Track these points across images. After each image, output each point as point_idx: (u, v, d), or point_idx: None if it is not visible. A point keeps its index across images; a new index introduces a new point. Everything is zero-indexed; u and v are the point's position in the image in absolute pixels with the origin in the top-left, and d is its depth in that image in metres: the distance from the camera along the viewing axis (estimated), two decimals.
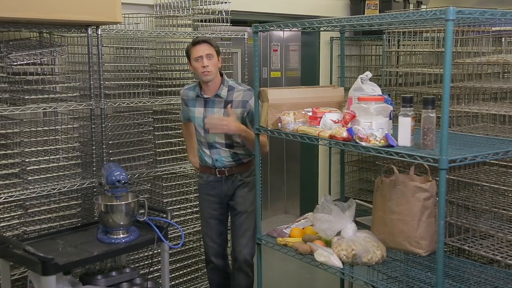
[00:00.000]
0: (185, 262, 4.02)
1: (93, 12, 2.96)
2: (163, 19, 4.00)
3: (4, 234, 3.01)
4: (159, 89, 3.74)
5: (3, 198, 2.95)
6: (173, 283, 3.91)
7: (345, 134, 2.37)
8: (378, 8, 5.24)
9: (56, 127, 3.28)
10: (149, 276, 3.08)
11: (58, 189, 3.14)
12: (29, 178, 3.07)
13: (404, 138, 2.27)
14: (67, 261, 2.58)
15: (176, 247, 3.35)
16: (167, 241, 2.93)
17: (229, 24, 3.95)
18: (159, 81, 3.79)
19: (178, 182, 3.94)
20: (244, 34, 4.06)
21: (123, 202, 2.84)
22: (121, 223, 2.83)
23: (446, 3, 2.57)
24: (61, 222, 3.23)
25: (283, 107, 2.76)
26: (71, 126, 3.33)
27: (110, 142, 3.46)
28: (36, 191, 3.05)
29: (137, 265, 3.68)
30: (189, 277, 4.05)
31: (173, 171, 3.85)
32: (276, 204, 6.19)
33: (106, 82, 3.46)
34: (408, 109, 2.28)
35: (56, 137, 3.26)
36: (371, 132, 2.30)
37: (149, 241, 2.92)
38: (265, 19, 4.96)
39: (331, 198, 2.76)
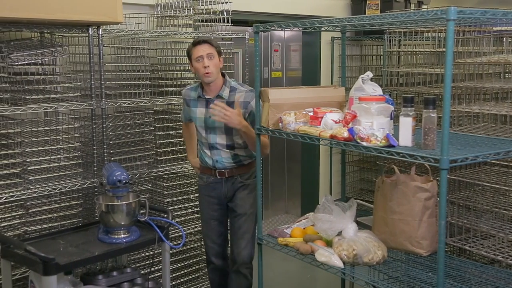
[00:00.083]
0: (186, 262, 4.02)
1: (94, 12, 2.96)
2: (164, 19, 4.00)
3: (5, 234, 3.01)
4: (160, 89, 3.74)
5: (4, 198, 2.95)
6: (174, 283, 3.91)
7: (346, 134, 2.37)
8: (379, 8, 5.24)
9: (57, 127, 3.28)
10: (150, 276, 3.08)
11: (59, 189, 3.14)
12: (30, 178, 3.07)
13: (405, 138, 2.27)
14: (68, 261, 2.59)
15: (177, 247, 3.35)
16: (168, 241, 2.94)
17: (230, 24, 3.95)
18: (160, 81, 3.79)
19: (179, 182, 3.94)
20: (245, 34, 4.06)
21: (124, 202, 2.84)
22: (122, 223, 2.83)
23: (447, 3, 2.57)
24: (62, 222, 3.24)
25: (284, 107, 2.76)
26: (72, 126, 3.33)
27: (111, 142, 3.46)
28: (37, 191, 3.05)
29: (138, 265, 3.68)
30: (190, 277, 4.05)
31: (174, 171, 3.85)
32: (277, 204, 6.20)
33: (107, 82, 3.46)
34: (409, 109, 2.27)
35: (57, 137, 3.26)
36: (372, 132, 2.30)
37: (150, 241, 2.92)
38: (266, 19, 4.96)
39: (332, 198, 2.76)
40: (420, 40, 4.48)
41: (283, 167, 6.19)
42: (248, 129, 3.06)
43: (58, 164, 3.20)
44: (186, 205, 3.89)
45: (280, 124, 2.71)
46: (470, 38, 3.49)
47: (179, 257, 3.96)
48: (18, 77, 3.06)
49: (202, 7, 3.86)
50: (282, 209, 6.26)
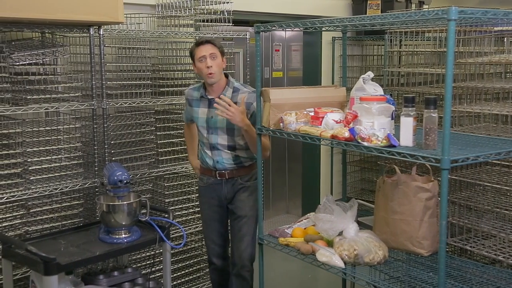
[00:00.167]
0: (187, 262, 4.03)
1: (95, 12, 2.96)
2: (165, 19, 4.01)
3: (7, 234, 3.02)
4: (161, 89, 3.74)
5: (6, 198, 2.95)
6: (175, 283, 3.91)
7: (347, 134, 2.36)
8: (380, 8, 5.24)
9: (58, 127, 3.28)
10: (151, 276, 3.08)
11: (60, 189, 3.15)
12: (31, 178, 3.08)
13: (406, 138, 2.27)
14: (69, 261, 2.59)
15: (178, 247, 3.35)
16: (169, 241, 2.94)
17: (231, 24, 3.95)
18: (161, 81, 3.79)
19: (180, 182, 3.95)
20: (246, 34, 4.06)
21: (125, 202, 2.85)
22: (123, 223, 2.83)
23: (448, 3, 2.57)
24: (63, 222, 3.24)
25: (285, 107, 2.76)
26: (73, 126, 3.33)
27: (112, 142, 3.46)
28: (38, 191, 3.05)
29: (139, 265, 3.68)
30: (191, 277, 4.05)
31: (175, 171, 3.85)
32: (278, 204, 6.20)
33: (108, 82, 3.47)
34: (410, 109, 2.27)
35: (58, 137, 3.26)
36: (373, 132, 2.29)
37: (151, 241, 2.92)
38: (267, 19, 4.96)
39: (333, 198, 2.75)
40: (421, 40, 4.48)
41: (284, 167, 6.19)
42: (250, 128, 3.05)
43: (59, 164, 3.21)
44: (187, 205, 3.89)
45: (281, 124, 2.71)
46: (471, 38, 3.49)
47: (180, 257, 3.96)
48: (19, 77, 3.06)
49: (203, 7, 3.86)
50: (283, 209, 6.26)
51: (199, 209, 3.63)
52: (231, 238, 3.39)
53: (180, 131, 3.88)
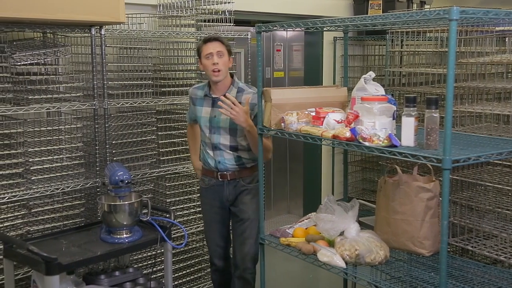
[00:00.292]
0: (188, 262, 4.03)
1: (97, 12, 2.96)
2: (166, 19, 4.01)
3: (8, 234, 3.02)
4: (162, 89, 3.74)
5: (7, 198, 2.96)
6: (176, 283, 3.91)
7: (348, 134, 2.36)
8: (381, 8, 5.23)
9: (60, 127, 3.28)
10: (152, 276, 3.08)
11: (62, 189, 3.15)
12: (32, 178, 3.08)
13: (408, 138, 2.26)
14: (71, 261, 2.59)
15: (179, 247, 3.34)
16: (170, 241, 2.94)
17: (232, 24, 3.95)
18: (162, 81, 3.79)
19: (181, 182, 3.95)
20: (247, 34, 4.06)
21: (126, 202, 2.85)
22: (125, 223, 2.83)
23: (450, 3, 2.57)
24: (64, 222, 3.24)
25: (286, 107, 2.76)
26: (75, 126, 3.34)
27: (114, 142, 3.46)
28: (39, 191, 3.06)
29: (140, 265, 3.68)
30: (192, 277, 4.05)
31: (176, 171, 3.85)
32: (279, 204, 6.20)
33: (110, 82, 3.47)
34: (411, 109, 2.27)
35: (60, 137, 3.27)
36: (374, 132, 2.29)
37: (152, 241, 2.92)
38: (268, 19, 4.96)
39: (334, 198, 2.75)
40: (422, 40, 4.48)
41: (285, 167, 6.19)
42: (253, 129, 3.03)
43: (60, 164, 3.21)
44: (188, 205, 3.89)
45: (282, 124, 2.71)
46: (473, 38, 3.48)
47: (181, 257, 3.97)
48: (20, 77, 3.06)
49: (205, 7, 3.87)
50: (284, 209, 6.26)
51: (200, 209, 3.63)
52: (234, 240, 3.37)
53: (181, 131, 3.88)
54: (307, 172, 5.92)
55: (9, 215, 3.10)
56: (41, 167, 3.13)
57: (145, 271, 3.46)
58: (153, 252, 3.68)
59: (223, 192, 3.27)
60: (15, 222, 3.11)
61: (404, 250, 2.59)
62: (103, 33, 3.19)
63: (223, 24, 3.91)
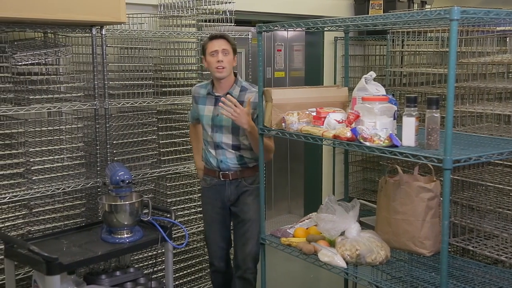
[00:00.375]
0: (189, 262, 4.03)
1: (98, 12, 2.97)
2: (167, 19, 4.01)
3: (9, 234, 3.02)
4: (163, 89, 3.74)
5: (8, 198, 2.96)
6: (177, 283, 3.91)
7: (349, 134, 2.36)
8: (382, 8, 5.23)
9: (61, 127, 3.28)
10: (153, 276, 3.08)
11: (63, 189, 3.15)
12: (33, 178, 3.08)
13: (408, 138, 2.26)
14: (72, 261, 2.59)
15: (180, 247, 3.35)
16: (171, 241, 2.94)
17: (233, 24, 3.95)
18: (163, 81, 3.79)
19: (182, 182, 3.95)
20: (248, 34, 4.06)
21: (127, 202, 2.85)
22: (125, 223, 2.83)
23: (451, 2, 2.57)
24: (65, 222, 3.24)
25: (287, 107, 2.76)
26: (76, 126, 3.34)
27: (114, 142, 3.46)
28: (40, 191, 3.06)
29: (141, 265, 3.68)
30: (193, 277, 4.05)
31: (177, 171, 3.85)
32: (280, 204, 6.19)
33: (110, 82, 3.47)
34: (412, 109, 2.27)
35: (61, 137, 3.27)
36: (375, 132, 2.29)
37: (153, 241, 2.92)
38: (269, 19, 4.96)
39: (335, 198, 2.75)
40: (423, 40, 4.47)
41: (286, 167, 6.19)
42: (254, 130, 3.02)
43: (61, 164, 3.21)
44: (189, 205, 3.89)
45: (283, 124, 2.71)
46: (474, 38, 3.48)
47: (182, 257, 3.97)
48: (21, 77, 3.07)
49: (205, 7, 3.87)
50: (285, 209, 6.26)
51: (201, 209, 3.63)
52: (235, 241, 3.36)
53: (182, 131, 3.88)
54: (308, 172, 5.92)
55: (10, 215, 3.10)
56: (42, 167, 3.13)
57: (146, 271, 3.46)
58: (154, 252, 3.69)
59: (225, 192, 3.26)
60: (16, 222, 3.11)
61: (405, 250, 2.59)
62: (104, 33, 3.20)
63: (223, 24, 3.91)
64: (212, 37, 3.13)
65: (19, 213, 3.12)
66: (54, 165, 3.17)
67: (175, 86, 3.80)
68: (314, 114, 2.66)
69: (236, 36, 3.99)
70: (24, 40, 3.29)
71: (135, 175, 3.46)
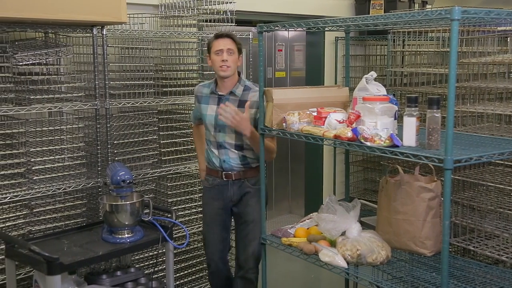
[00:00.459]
0: (190, 262, 4.03)
1: (98, 12, 2.97)
2: (168, 19, 4.01)
3: (10, 234, 3.02)
4: (164, 89, 3.74)
5: (9, 197, 2.96)
6: (177, 283, 3.91)
7: (350, 134, 2.36)
8: (383, 8, 5.23)
9: (61, 127, 3.28)
10: (153, 276, 3.08)
11: (63, 189, 3.15)
12: (34, 178, 3.08)
13: (409, 138, 2.26)
14: (72, 261, 2.59)
15: (180, 247, 3.34)
16: (172, 241, 2.94)
17: (233, 24, 3.95)
18: (164, 81, 3.80)
19: (183, 182, 3.95)
20: (249, 34, 4.06)
21: (128, 202, 2.85)
22: (126, 223, 2.83)
23: (452, 2, 2.57)
24: (66, 222, 3.24)
25: (287, 107, 2.76)
26: (76, 126, 3.34)
27: (115, 142, 3.46)
28: (41, 191, 3.06)
29: (142, 264, 3.68)
30: (193, 277, 4.05)
31: (178, 171, 3.85)
32: (280, 204, 6.19)
33: (111, 82, 3.47)
34: (413, 109, 2.27)
35: (61, 137, 3.27)
36: (376, 132, 2.29)
37: (154, 241, 2.92)
38: (269, 19, 4.96)
39: (335, 198, 2.75)
40: (424, 40, 4.47)
41: (287, 167, 6.19)
42: (255, 136, 3.01)
43: (62, 164, 3.21)
44: (190, 205, 3.89)
45: (284, 124, 2.71)
46: (475, 38, 3.48)
47: (182, 257, 3.97)
48: (22, 77, 3.07)
49: (206, 7, 3.87)
50: (286, 209, 6.26)
51: (202, 209, 3.63)
52: (237, 242, 3.34)
53: (183, 131, 3.88)
54: (308, 172, 5.92)
55: (11, 215, 3.10)
56: (43, 167, 3.13)
57: (146, 271, 3.46)
58: (155, 252, 3.69)
59: (227, 192, 3.25)
60: (17, 222, 3.11)
61: (406, 250, 2.59)
62: (104, 33, 3.20)
63: (224, 24, 3.91)
64: (218, 36, 3.12)
65: (20, 213, 3.12)
66: (55, 165, 3.18)
67: (176, 86, 3.80)
68: (315, 114, 2.66)
69: (237, 36, 3.98)
70: (25, 40, 3.29)
71: (136, 175, 3.46)
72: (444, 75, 4.10)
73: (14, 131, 3.08)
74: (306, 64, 5.87)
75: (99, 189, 3.30)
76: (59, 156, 3.22)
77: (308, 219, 2.99)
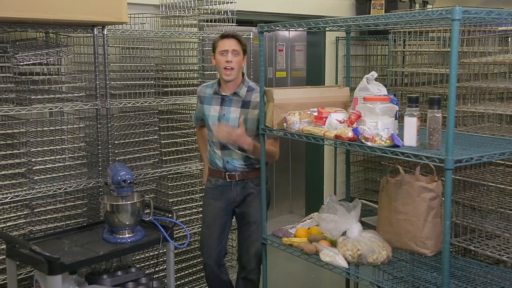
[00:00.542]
0: (190, 262, 4.03)
1: (99, 12, 2.97)
2: (168, 19, 4.01)
3: (11, 234, 3.02)
4: (164, 89, 3.74)
5: (10, 197, 2.96)
6: (178, 282, 3.91)
7: (350, 134, 2.36)
8: (383, 8, 5.24)
9: (62, 127, 3.29)
10: (154, 276, 3.08)
11: (64, 189, 3.15)
12: (35, 178, 3.08)
13: (410, 138, 2.26)
14: (73, 261, 2.59)
15: (181, 247, 3.35)
16: (173, 240, 2.94)
17: (234, 24, 3.96)
18: (164, 81, 3.80)
19: (184, 182, 3.95)
20: (250, 34, 4.06)
21: (128, 202, 2.85)
22: (127, 223, 2.83)
23: (452, 2, 2.57)
24: (67, 222, 3.25)
25: (288, 107, 2.76)
26: (77, 126, 3.34)
27: (116, 142, 3.46)
28: (42, 191, 3.06)
29: (142, 264, 3.69)
30: (194, 277, 4.05)
31: (179, 171, 3.85)
32: (281, 204, 6.19)
33: (112, 82, 3.47)
34: (414, 109, 2.27)
35: (62, 137, 3.27)
36: (377, 132, 2.29)
37: (154, 241, 2.92)
38: (270, 19, 4.96)
39: (336, 198, 2.75)
40: (425, 40, 4.47)
41: (288, 167, 6.19)
42: (256, 148, 3.02)
43: (63, 164, 3.21)
44: (191, 205, 3.89)
45: (285, 124, 2.71)
46: (475, 38, 3.48)
47: (183, 257, 3.97)
48: (23, 77, 3.07)
49: (207, 7, 3.87)
50: (286, 209, 6.26)
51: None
52: (240, 242, 3.33)
53: (183, 131, 3.88)
54: (309, 172, 5.92)
55: (11, 215, 3.11)
56: (44, 167, 3.14)
57: (147, 271, 3.46)
58: (156, 252, 3.69)
59: (230, 193, 3.23)
60: (18, 222, 3.11)
61: (407, 250, 2.59)
62: (105, 33, 3.20)
63: (225, 24, 3.91)
64: (224, 36, 3.11)
65: (21, 213, 3.12)
66: (56, 165, 3.18)
67: (176, 86, 3.80)
68: (316, 114, 2.66)
69: None
70: (26, 40, 3.30)
71: (136, 175, 3.46)
72: (445, 75, 4.10)
73: (15, 131, 3.08)
74: (307, 64, 5.87)
75: (100, 189, 3.31)
76: (60, 156, 3.22)
77: (308, 219, 2.99)
